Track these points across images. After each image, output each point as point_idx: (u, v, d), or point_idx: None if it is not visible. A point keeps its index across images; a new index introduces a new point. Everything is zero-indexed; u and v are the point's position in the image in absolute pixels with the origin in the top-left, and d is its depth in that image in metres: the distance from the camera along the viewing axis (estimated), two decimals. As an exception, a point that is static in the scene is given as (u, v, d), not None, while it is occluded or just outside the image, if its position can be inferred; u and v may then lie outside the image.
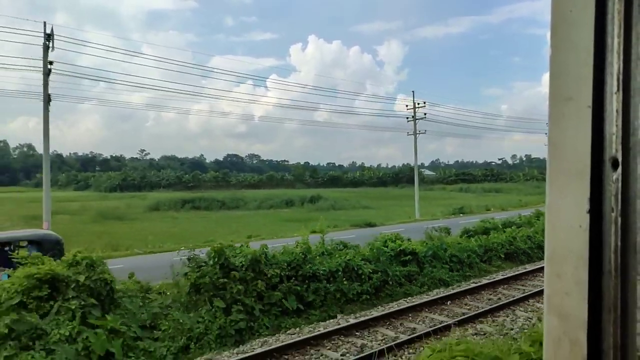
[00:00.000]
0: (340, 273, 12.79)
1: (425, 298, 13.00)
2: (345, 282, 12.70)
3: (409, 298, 13.31)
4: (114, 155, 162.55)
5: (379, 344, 9.64)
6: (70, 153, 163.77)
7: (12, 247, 15.79)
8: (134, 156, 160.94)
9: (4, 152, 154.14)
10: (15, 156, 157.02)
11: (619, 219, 0.72)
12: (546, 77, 0.82)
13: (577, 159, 0.77)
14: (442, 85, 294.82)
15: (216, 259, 11.23)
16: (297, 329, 10.99)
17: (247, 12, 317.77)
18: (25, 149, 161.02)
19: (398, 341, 9.62)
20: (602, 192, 0.75)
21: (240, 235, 27.70)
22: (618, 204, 0.72)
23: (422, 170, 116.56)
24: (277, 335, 10.66)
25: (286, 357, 9.30)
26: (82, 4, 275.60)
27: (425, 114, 43.43)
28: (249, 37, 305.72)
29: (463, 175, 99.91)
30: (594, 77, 0.75)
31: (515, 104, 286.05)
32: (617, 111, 0.73)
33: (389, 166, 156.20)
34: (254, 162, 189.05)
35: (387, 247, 14.69)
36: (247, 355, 9.12)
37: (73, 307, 9.41)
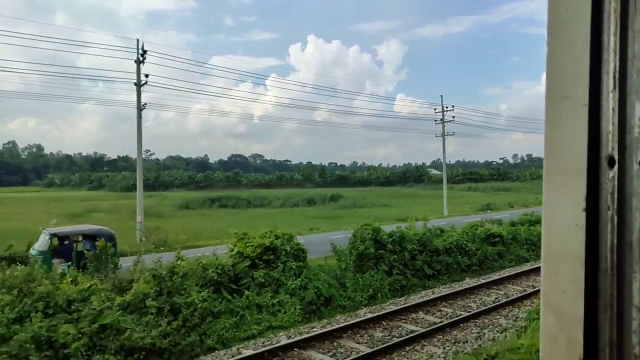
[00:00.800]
0: (454, 249, 16.59)
1: (518, 270, 16.86)
2: (459, 256, 16.50)
3: (506, 269, 17.17)
4: (121, 155, 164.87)
5: (514, 293, 13.57)
6: (74, 153, 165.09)
7: (70, 242, 18.08)
8: (122, 155, 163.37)
9: (13, 152, 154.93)
10: (24, 157, 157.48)
11: (615, 217, 0.72)
12: (544, 76, 0.83)
13: (573, 158, 0.78)
14: (442, 84, 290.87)
15: (372, 236, 14.94)
16: (437, 287, 14.81)
17: (247, 12, 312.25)
18: (34, 150, 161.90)
19: (527, 292, 13.55)
20: (599, 190, 0.75)
21: (287, 229, 30.65)
22: (614, 202, 0.72)
23: (429, 169, 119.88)
24: (424, 291, 14.44)
25: (442, 304, 13.11)
26: (81, 4, 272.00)
27: (453, 117, 47.07)
28: (248, 37, 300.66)
29: (470, 175, 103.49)
30: (590, 76, 0.76)
31: (515, 103, 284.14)
32: (613, 109, 0.73)
33: (390, 165, 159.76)
34: (258, 162, 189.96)
35: (477, 231, 18.49)
36: (401, 307, 12.94)
37: (294, 266, 13.11)
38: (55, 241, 17.43)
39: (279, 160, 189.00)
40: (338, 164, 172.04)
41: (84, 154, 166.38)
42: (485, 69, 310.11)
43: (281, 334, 10.83)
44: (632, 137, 0.71)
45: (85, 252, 15.87)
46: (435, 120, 48.55)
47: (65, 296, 9.70)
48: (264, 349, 9.69)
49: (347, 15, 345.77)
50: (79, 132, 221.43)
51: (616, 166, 0.73)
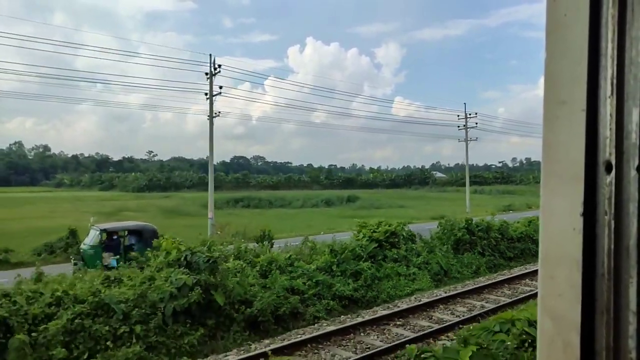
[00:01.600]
0: (524, 237, 20.16)
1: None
2: (529, 243, 20.07)
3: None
4: (126, 156, 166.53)
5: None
6: (78, 154, 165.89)
7: (118, 237, 19.51)
8: (143, 157, 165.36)
9: (19, 153, 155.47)
10: (30, 157, 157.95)
11: (613, 222, 0.72)
12: (542, 80, 0.83)
13: (571, 162, 0.78)
14: (440, 87, 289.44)
15: (466, 225, 18.45)
16: (522, 266, 18.38)
17: (246, 14, 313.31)
18: (40, 150, 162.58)
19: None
20: (596, 195, 0.75)
21: (320, 227, 34.30)
22: (611, 207, 0.72)
23: (434, 172, 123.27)
24: (514, 268, 17.97)
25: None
26: (80, 4, 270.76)
27: (477, 123, 50.49)
28: (247, 38, 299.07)
29: (474, 178, 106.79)
30: (588, 81, 0.76)
31: (513, 107, 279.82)
32: (610, 115, 0.73)
33: (389, 168, 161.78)
34: (259, 163, 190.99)
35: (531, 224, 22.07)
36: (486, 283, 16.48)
37: (413, 247, 16.57)
38: (105, 236, 18.92)
39: (280, 162, 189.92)
40: (338, 166, 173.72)
41: (86, 155, 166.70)
42: (483, 72, 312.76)
43: (423, 294, 14.35)
44: (630, 142, 0.71)
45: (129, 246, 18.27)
46: (459, 126, 51.95)
47: (280, 262, 13.28)
48: (416, 303, 13.17)
49: (345, 18, 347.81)
50: (76, 133, 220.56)
51: (613, 171, 0.73)
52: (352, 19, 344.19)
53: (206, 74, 31.80)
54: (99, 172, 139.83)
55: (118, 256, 18.96)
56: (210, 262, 11.08)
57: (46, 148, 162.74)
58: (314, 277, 12.79)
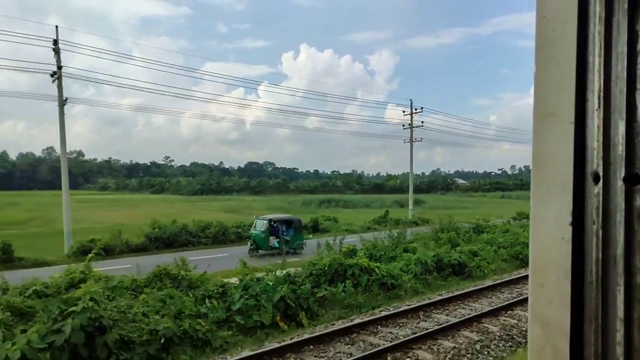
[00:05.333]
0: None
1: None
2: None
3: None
4: (153, 162, 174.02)
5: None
6: (110, 159, 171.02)
7: (277, 225, 24.09)
8: (160, 162, 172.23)
9: (53, 157, 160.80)
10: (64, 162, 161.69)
11: (600, 232, 0.74)
12: (533, 92, 0.86)
13: (560, 173, 0.80)
14: (433, 94, 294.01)
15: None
16: None
17: (240, 20, 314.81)
18: (74, 155, 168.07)
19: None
20: (584, 205, 0.77)
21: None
22: (599, 216, 0.74)
23: (456, 179, 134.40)
24: None
25: None
26: (74, 7, 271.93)
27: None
28: (241, 44, 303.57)
29: (497, 184, 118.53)
30: (576, 94, 0.78)
31: (504, 115, 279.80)
32: (598, 127, 0.75)
33: (382, 174, 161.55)
34: (269, 169, 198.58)
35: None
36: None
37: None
38: (270, 225, 23.82)
39: (289, 168, 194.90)
40: (341, 172, 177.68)
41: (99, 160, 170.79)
42: (474, 80, 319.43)
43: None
44: (616, 154, 0.72)
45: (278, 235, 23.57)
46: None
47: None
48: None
49: (339, 25, 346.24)
50: (69, 135, 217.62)
51: (601, 182, 0.74)
52: (346, 27, 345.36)
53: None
54: (130, 176, 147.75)
55: (278, 239, 23.87)
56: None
57: (80, 154, 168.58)
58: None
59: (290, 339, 10.40)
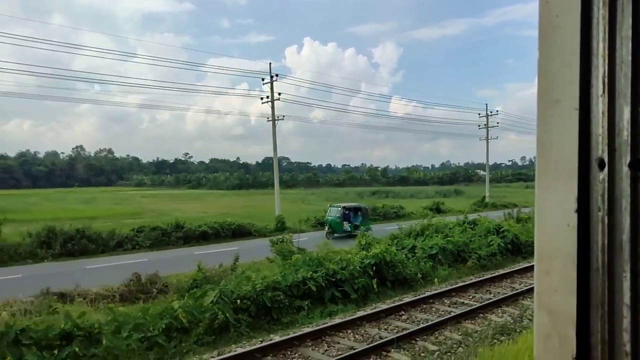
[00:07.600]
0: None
1: None
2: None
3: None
4: (178, 158, 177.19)
5: None
6: (135, 157, 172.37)
7: (349, 212, 26.73)
8: (180, 158, 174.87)
9: (82, 156, 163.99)
10: (95, 160, 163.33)
11: (606, 218, 0.73)
12: (537, 79, 0.85)
13: (564, 160, 0.79)
14: (437, 86, 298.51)
15: None
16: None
17: (243, 15, 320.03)
18: (104, 154, 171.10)
19: None
20: (590, 191, 0.76)
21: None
22: (605, 203, 0.73)
23: (478, 170, 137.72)
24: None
25: None
26: (78, 6, 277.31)
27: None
28: (244, 39, 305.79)
29: (519, 175, 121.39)
30: (581, 80, 0.77)
31: (510, 105, 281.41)
32: (602, 113, 0.74)
33: (391, 167, 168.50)
34: (284, 164, 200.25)
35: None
36: None
37: None
38: (343, 211, 26.48)
39: (302, 162, 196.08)
40: (352, 166, 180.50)
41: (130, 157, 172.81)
42: (479, 71, 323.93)
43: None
44: (621, 140, 0.72)
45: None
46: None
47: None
48: None
49: (342, 18, 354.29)
50: (75, 134, 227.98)
51: (606, 168, 0.73)
52: (349, 19, 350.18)
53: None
54: (159, 173, 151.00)
55: (350, 224, 26.28)
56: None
57: (110, 151, 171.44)
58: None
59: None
